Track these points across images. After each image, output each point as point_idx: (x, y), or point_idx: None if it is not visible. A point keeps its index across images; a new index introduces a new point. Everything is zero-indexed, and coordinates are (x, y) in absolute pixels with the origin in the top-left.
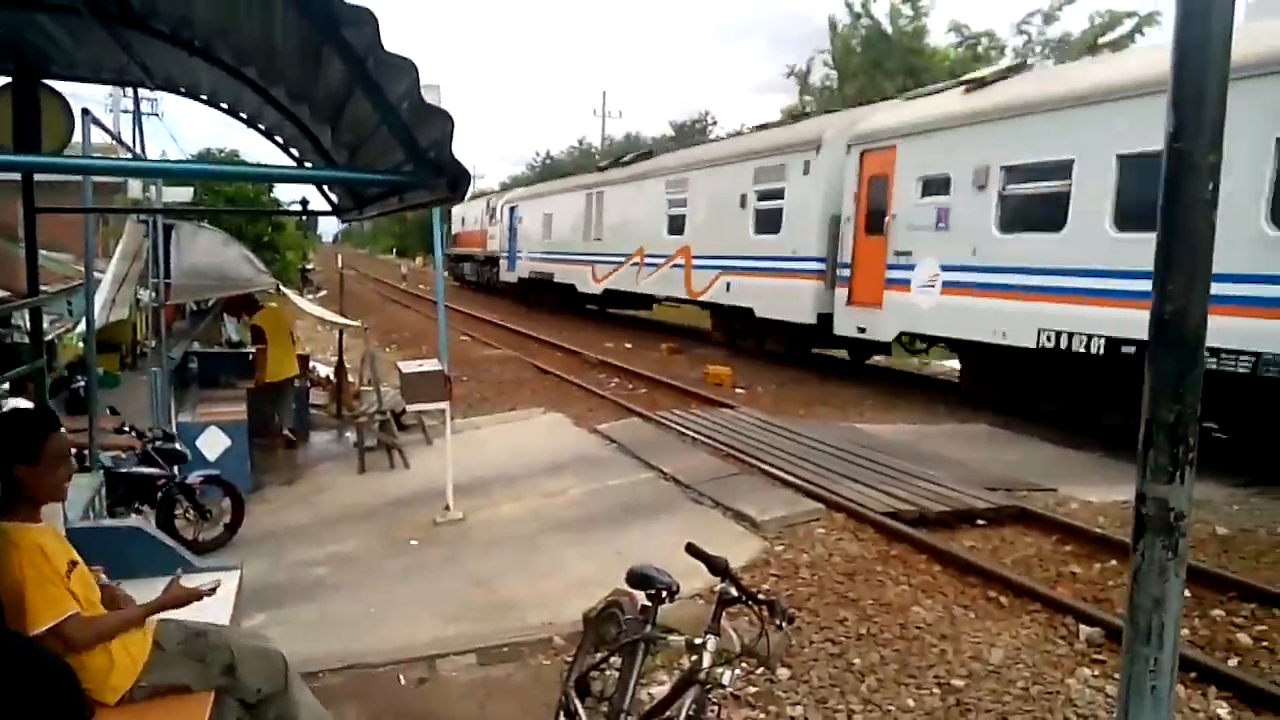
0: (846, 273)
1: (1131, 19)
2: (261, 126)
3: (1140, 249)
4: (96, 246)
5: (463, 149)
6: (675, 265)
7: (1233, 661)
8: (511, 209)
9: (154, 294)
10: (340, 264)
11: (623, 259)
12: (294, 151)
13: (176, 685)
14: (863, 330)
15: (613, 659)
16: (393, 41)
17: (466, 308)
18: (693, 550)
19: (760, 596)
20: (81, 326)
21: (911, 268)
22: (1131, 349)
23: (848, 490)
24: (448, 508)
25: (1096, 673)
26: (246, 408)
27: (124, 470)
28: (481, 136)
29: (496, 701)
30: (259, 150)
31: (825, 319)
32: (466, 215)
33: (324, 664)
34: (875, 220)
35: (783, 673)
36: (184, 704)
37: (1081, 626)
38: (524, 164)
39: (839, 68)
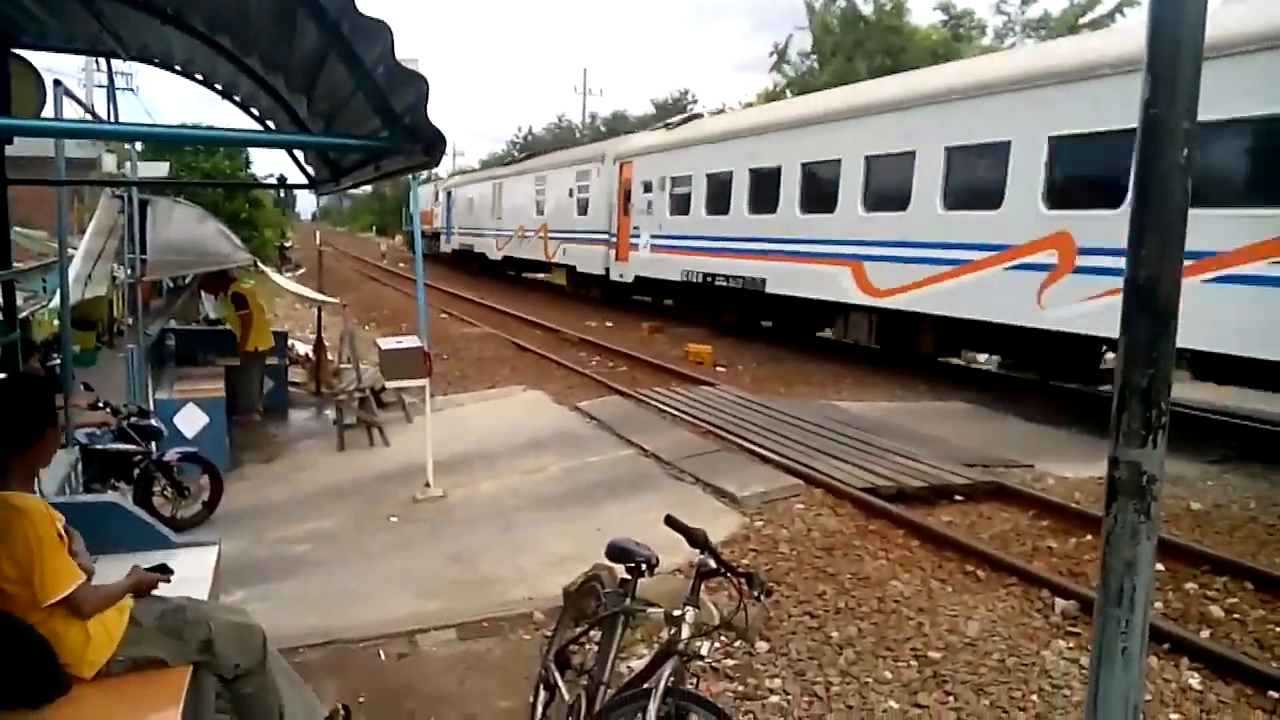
0: (615, 240)
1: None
2: (236, 98)
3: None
4: (71, 224)
5: (443, 126)
6: (540, 238)
7: (1205, 633)
8: (449, 193)
9: (130, 270)
10: (319, 241)
11: (512, 233)
12: (270, 124)
13: (153, 660)
14: (621, 276)
15: (592, 632)
16: (368, 5)
17: (448, 286)
18: (672, 522)
19: (739, 569)
20: (56, 302)
21: (639, 236)
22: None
23: (827, 466)
24: (428, 485)
25: (1071, 645)
26: (225, 385)
27: (99, 447)
28: (462, 114)
29: (476, 675)
30: (233, 125)
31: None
32: (421, 197)
33: (304, 639)
34: (625, 207)
35: (761, 646)
36: (161, 678)
37: (1057, 600)
38: (504, 141)
39: (818, 49)
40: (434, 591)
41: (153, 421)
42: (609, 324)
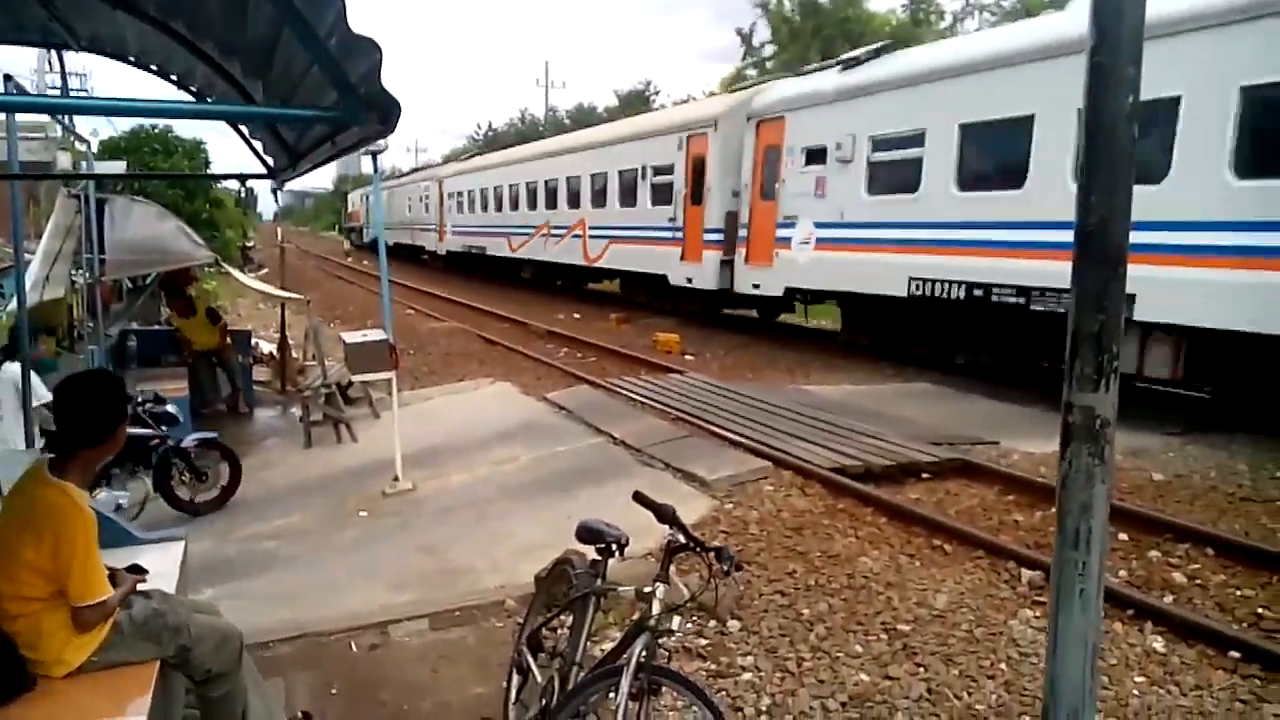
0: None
1: None
2: (193, 89)
3: None
4: (28, 228)
5: (405, 121)
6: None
7: (1168, 599)
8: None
9: (89, 272)
10: (280, 238)
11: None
12: None
13: (128, 662)
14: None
15: (564, 615)
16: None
17: (414, 282)
18: (640, 498)
19: (708, 544)
20: (14, 305)
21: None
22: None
23: (795, 448)
24: (396, 479)
25: (1038, 614)
26: (188, 383)
27: None
28: (424, 109)
29: (450, 664)
30: (192, 128)
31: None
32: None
33: (275, 634)
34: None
35: (733, 625)
36: (129, 674)
37: (1023, 570)
38: (466, 136)
39: (775, 38)
40: (405, 583)
41: (169, 408)
42: (576, 315)
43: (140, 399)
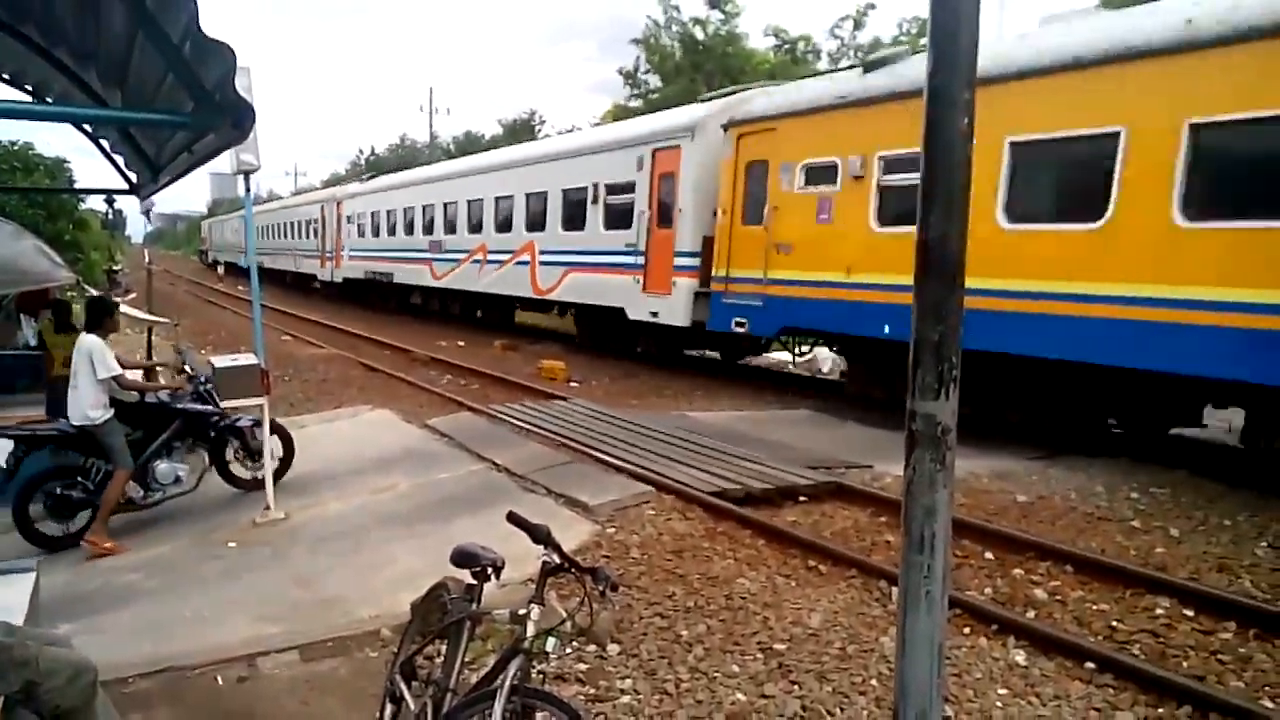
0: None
1: None
2: (49, 99)
3: None
4: None
5: (284, 145)
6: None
7: (1030, 614)
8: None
9: None
10: (147, 259)
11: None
12: (86, 128)
13: None
14: None
15: (439, 642)
16: (208, 25)
17: (290, 308)
18: (514, 519)
19: (583, 564)
20: None
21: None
22: None
23: (676, 473)
24: (268, 508)
25: None
26: (47, 409)
27: (181, 406)
28: (304, 133)
29: (321, 695)
30: (57, 144)
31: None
32: (227, 225)
33: (135, 669)
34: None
35: (612, 648)
36: None
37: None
38: (348, 161)
39: (658, 71)
40: (275, 615)
41: None
42: (461, 343)
43: (203, 378)
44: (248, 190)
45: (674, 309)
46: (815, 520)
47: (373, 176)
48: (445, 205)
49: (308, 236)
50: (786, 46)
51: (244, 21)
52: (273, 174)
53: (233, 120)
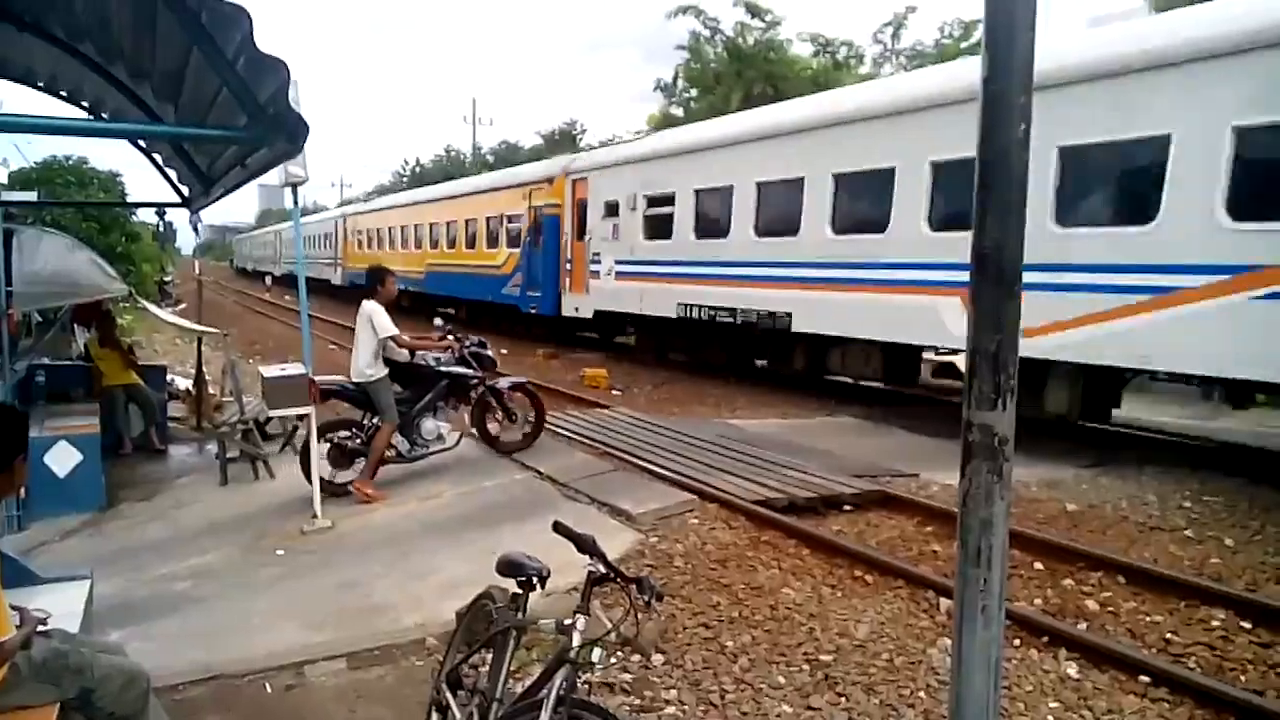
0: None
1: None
2: (104, 115)
3: None
4: None
5: (330, 157)
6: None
7: (1081, 626)
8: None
9: None
10: (197, 271)
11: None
12: (141, 144)
13: (26, 706)
14: None
15: (484, 651)
16: (262, 40)
17: (336, 317)
18: (560, 528)
19: (629, 575)
20: None
21: None
22: None
23: (720, 482)
24: (315, 516)
25: None
26: (99, 419)
27: (447, 369)
28: (351, 145)
29: (368, 703)
30: (110, 158)
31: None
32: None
33: (186, 676)
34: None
35: (657, 659)
36: (27, 717)
37: (942, 600)
38: (392, 172)
39: (698, 82)
40: (323, 622)
41: (488, 352)
42: (504, 351)
43: (467, 342)
44: (295, 203)
45: (543, 305)
46: (861, 529)
47: (372, 198)
48: (417, 226)
49: (324, 247)
50: (829, 52)
51: (292, 34)
52: (319, 185)
53: (286, 135)
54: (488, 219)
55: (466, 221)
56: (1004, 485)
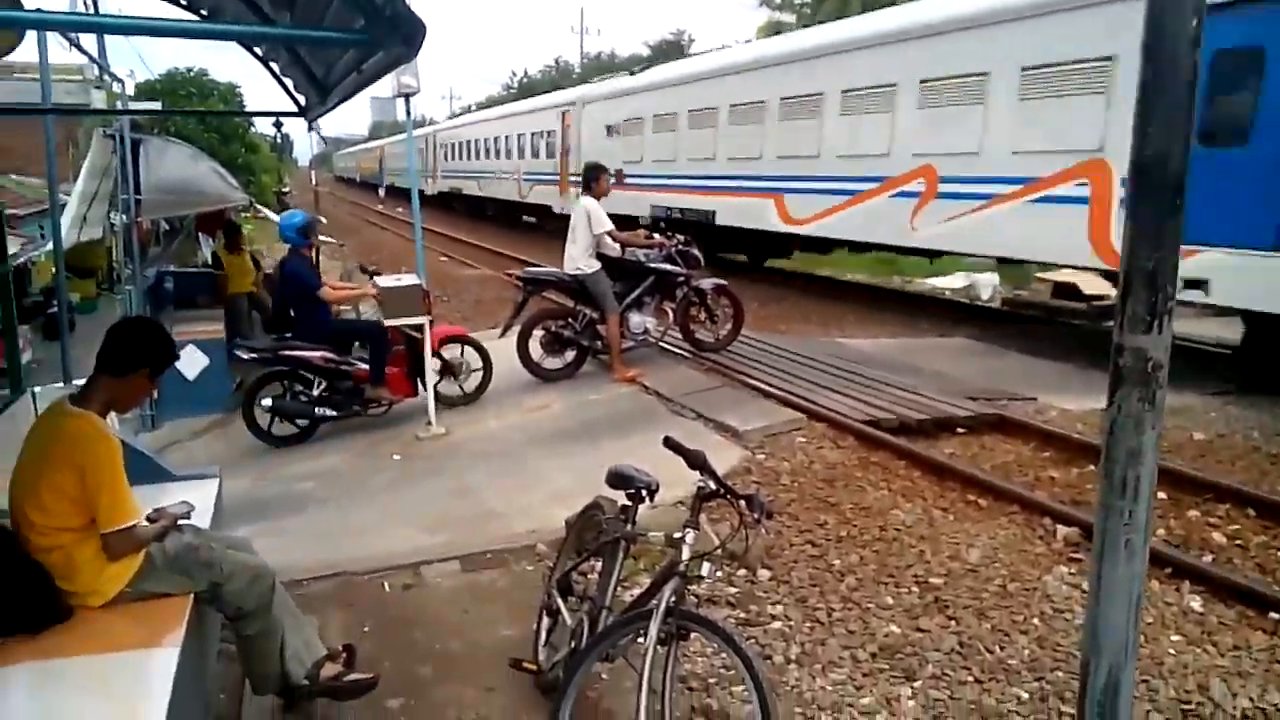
0: None
1: None
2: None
3: None
4: (67, 170)
5: (440, 68)
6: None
7: (1207, 558)
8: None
9: (125, 213)
10: (314, 181)
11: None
12: (257, 50)
13: (162, 594)
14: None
15: (594, 560)
16: None
17: (447, 229)
18: (670, 444)
19: (738, 491)
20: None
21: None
22: None
23: (829, 400)
24: (430, 423)
25: (1073, 570)
26: (225, 325)
27: (653, 265)
28: (459, 56)
29: (481, 605)
30: (228, 69)
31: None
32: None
33: (310, 572)
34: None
35: (763, 574)
36: (164, 606)
37: (1059, 527)
38: (501, 84)
39: None
40: (438, 526)
41: (694, 250)
42: None
43: (675, 240)
44: (408, 113)
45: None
46: (974, 453)
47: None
48: (480, 140)
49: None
50: None
51: None
52: (429, 98)
53: (403, 37)
54: (532, 134)
55: (519, 135)
56: (1155, 414)
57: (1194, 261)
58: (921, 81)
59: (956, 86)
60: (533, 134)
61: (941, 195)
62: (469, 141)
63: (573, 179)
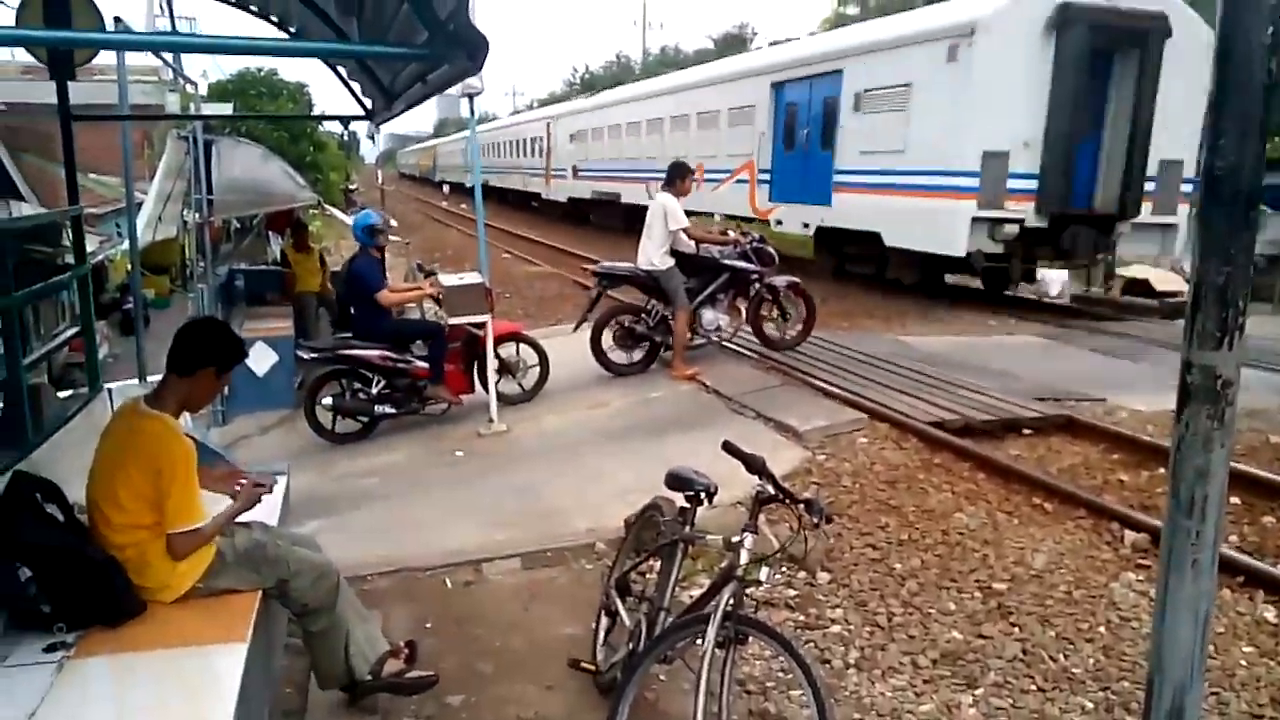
0: None
1: None
2: (291, 29)
3: None
4: (142, 170)
5: (504, 64)
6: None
7: None
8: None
9: (198, 212)
10: (380, 179)
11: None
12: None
13: (232, 590)
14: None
15: (652, 561)
16: None
17: (509, 226)
18: (729, 448)
19: (797, 496)
20: (127, 245)
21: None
22: None
23: (891, 400)
24: (491, 420)
25: (1141, 577)
26: (293, 322)
27: (728, 262)
28: (521, 53)
29: (541, 603)
30: (296, 71)
31: None
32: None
33: (373, 568)
34: None
35: (823, 577)
36: (234, 602)
37: (1127, 532)
38: (563, 80)
39: None
40: (499, 522)
41: (769, 248)
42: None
43: (750, 237)
44: (472, 112)
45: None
46: (1041, 455)
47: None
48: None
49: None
50: None
51: None
52: (494, 95)
53: (466, 52)
54: (531, 139)
55: (519, 140)
56: (1225, 432)
57: None
58: (698, 114)
59: (710, 119)
60: (531, 139)
61: (707, 179)
62: (491, 144)
63: (554, 172)
